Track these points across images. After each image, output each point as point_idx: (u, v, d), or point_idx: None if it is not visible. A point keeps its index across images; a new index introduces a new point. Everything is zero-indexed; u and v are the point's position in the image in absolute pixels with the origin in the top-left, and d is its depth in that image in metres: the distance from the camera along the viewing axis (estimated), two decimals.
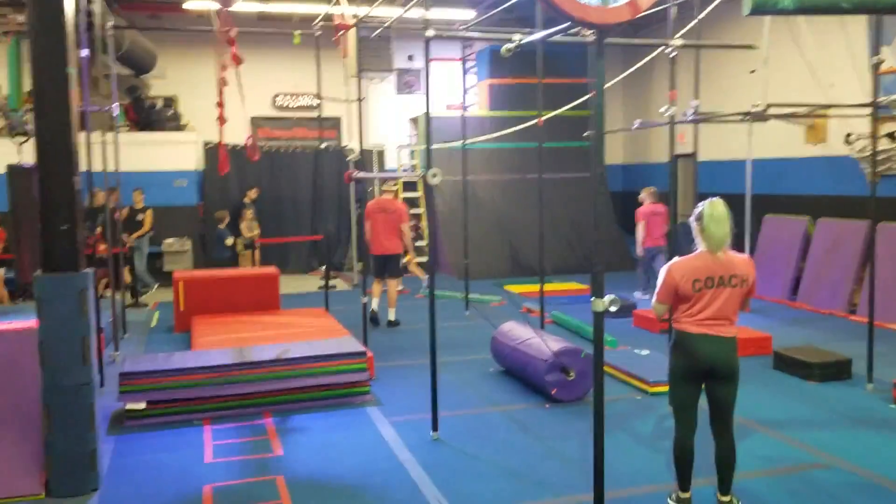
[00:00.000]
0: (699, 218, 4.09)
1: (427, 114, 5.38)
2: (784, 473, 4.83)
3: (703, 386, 4.20)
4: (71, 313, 4.59)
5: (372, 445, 5.43)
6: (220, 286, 9.48)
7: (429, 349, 5.66)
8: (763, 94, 8.27)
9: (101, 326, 7.95)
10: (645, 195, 11.00)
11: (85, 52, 6.80)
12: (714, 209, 4.03)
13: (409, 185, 14.46)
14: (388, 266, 9.52)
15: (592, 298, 3.48)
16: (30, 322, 4.82)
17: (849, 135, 10.04)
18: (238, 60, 7.21)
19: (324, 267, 10.79)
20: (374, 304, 9.51)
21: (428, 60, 5.29)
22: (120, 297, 9.39)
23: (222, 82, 8.05)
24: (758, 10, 2.96)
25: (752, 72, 9.34)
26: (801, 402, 6.29)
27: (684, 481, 4.28)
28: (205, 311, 9.23)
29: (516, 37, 5.28)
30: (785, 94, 11.12)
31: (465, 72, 15.82)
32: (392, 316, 9.50)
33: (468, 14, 12.87)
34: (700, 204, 4.13)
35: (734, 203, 11.29)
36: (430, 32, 5.06)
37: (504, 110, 14.05)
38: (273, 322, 8.62)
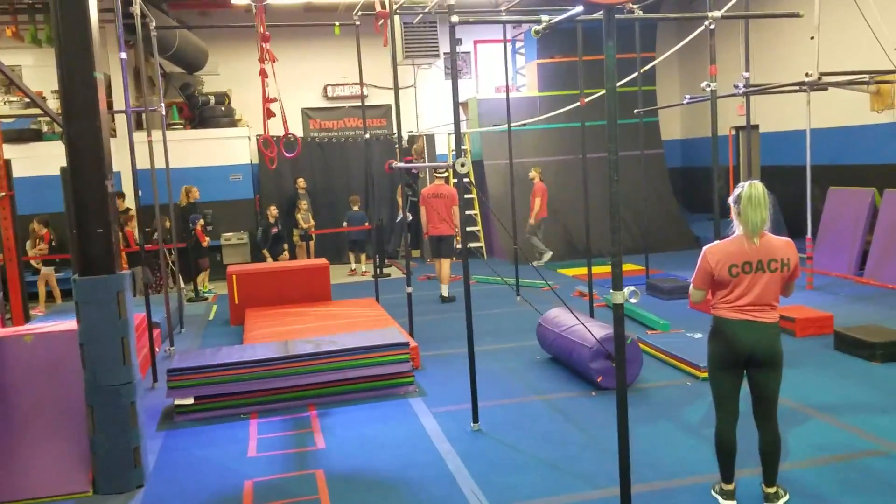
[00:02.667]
0: (737, 201, 3.89)
1: (455, 99, 5.27)
2: (837, 461, 4.61)
3: (744, 374, 4.02)
4: (109, 315, 4.68)
5: (412, 437, 5.40)
6: (271, 279, 9.62)
7: (468, 340, 5.54)
8: (816, 63, 7.87)
9: (156, 322, 8.20)
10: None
11: (123, 55, 6.91)
12: (752, 191, 3.82)
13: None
14: (441, 246, 10.29)
15: (611, 290, 3.34)
16: (72, 323, 4.95)
17: None
18: (272, 58, 7.17)
19: (376, 256, 10.84)
20: (444, 290, 10.30)
21: (454, 45, 5.18)
22: (178, 292, 9.63)
23: (263, 76, 8.08)
24: None
25: (812, 38, 8.93)
26: (860, 384, 6.00)
27: (727, 472, 4.11)
28: (258, 303, 9.38)
29: (544, 18, 5.12)
30: (847, 59, 10.62)
31: (513, 52, 15.68)
32: (445, 292, 10.23)
33: None
34: (739, 186, 3.92)
35: (797, 175, 10.90)
36: (455, 18, 4.96)
37: (554, 90, 13.81)
38: (322, 313, 8.69)
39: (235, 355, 6.31)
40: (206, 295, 11.62)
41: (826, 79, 7.64)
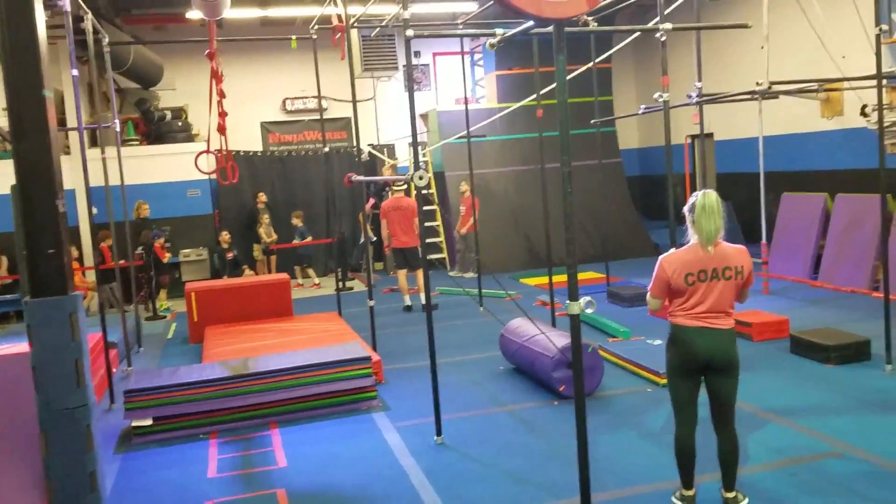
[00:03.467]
0: (691, 210, 3.96)
1: (412, 113, 5.27)
2: (794, 464, 4.68)
3: (702, 380, 4.07)
4: (62, 337, 4.56)
5: (375, 453, 5.37)
6: (231, 296, 9.50)
7: (430, 353, 5.53)
8: (766, 72, 8.04)
9: (113, 342, 8.04)
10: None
11: (74, 73, 6.79)
12: (706, 200, 3.88)
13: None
14: (409, 258, 10.40)
15: (567, 301, 3.36)
16: (24, 346, 4.82)
17: (864, 106, 9.75)
18: (217, 77, 7.12)
19: (339, 269, 10.81)
20: (408, 300, 10.43)
21: (410, 59, 5.19)
22: (135, 311, 9.46)
23: (220, 94, 8.01)
24: None
25: (763, 47, 9.14)
26: (816, 387, 6.11)
27: (687, 478, 4.15)
28: (218, 320, 9.26)
29: (499, 31, 5.16)
30: (798, 68, 10.87)
31: (472, 64, 15.76)
32: (424, 300, 10.04)
33: (471, 6, 12.75)
34: (693, 195, 3.99)
35: (751, 181, 11.10)
36: (410, 33, 4.97)
37: (513, 101, 13.89)
38: (284, 329, 8.61)
39: (194, 374, 6.21)
40: (164, 313, 11.44)
41: (776, 87, 7.80)
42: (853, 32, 9.29)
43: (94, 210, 8.56)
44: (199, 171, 8.74)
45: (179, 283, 12.47)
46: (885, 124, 9.43)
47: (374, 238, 12.30)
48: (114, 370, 7.61)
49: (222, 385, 6.05)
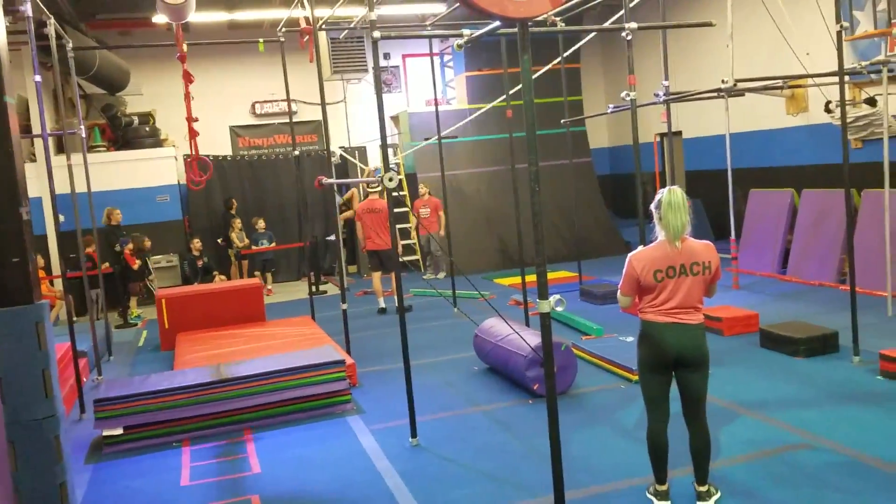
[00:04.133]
0: (657, 206, 3.99)
1: (381, 116, 5.27)
2: (766, 457, 4.74)
3: (673, 376, 4.10)
4: (28, 346, 4.48)
5: (350, 456, 5.34)
6: (203, 302, 9.42)
7: (403, 356, 5.52)
8: (731, 70, 8.14)
9: (82, 351, 7.94)
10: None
11: (38, 78, 6.69)
12: (672, 197, 3.92)
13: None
14: (383, 261, 10.40)
15: (538, 300, 3.37)
16: None
17: (828, 103, 9.89)
18: (189, 78, 7.06)
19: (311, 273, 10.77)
20: (382, 302, 10.44)
21: (377, 61, 5.19)
22: (104, 319, 9.34)
23: (187, 97, 7.94)
24: None
25: (728, 46, 9.27)
26: (786, 380, 6.19)
27: (660, 473, 4.18)
28: (190, 327, 9.18)
29: (466, 32, 5.17)
30: (763, 65, 11.01)
31: (441, 66, 15.78)
32: (399, 303, 10.15)
33: (440, 8, 12.76)
34: (659, 192, 4.02)
35: (719, 178, 11.22)
36: (377, 34, 4.96)
37: (483, 102, 13.93)
38: (256, 334, 8.55)
39: (165, 382, 6.15)
40: (134, 321, 11.31)
41: (741, 85, 7.90)
42: (816, 30, 9.43)
43: (62, 218, 8.44)
44: (194, 179, 8.58)
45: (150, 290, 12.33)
46: (849, 120, 9.61)
47: (333, 238, 12.29)
48: (84, 379, 7.53)
49: (194, 392, 6.00)
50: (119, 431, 5.85)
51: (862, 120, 9.79)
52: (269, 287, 13.13)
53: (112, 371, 8.40)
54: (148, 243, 11.89)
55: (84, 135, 8.52)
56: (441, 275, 12.82)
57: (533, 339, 6.32)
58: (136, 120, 13.51)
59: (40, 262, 11.19)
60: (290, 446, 5.64)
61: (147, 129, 13.45)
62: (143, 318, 11.53)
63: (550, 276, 11.92)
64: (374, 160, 14.72)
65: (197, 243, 12.54)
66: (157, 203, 12.97)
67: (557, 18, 8.88)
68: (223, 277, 12.66)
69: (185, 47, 7.19)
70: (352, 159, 13.76)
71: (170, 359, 8.50)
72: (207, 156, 13.39)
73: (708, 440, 4.10)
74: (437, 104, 10.46)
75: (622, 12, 6.90)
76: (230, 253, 13.34)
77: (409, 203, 13.99)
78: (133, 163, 12.80)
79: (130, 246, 11.33)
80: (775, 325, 7.23)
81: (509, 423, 5.77)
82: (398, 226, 13.34)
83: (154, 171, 12.94)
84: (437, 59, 14.76)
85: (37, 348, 4.53)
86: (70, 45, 8.42)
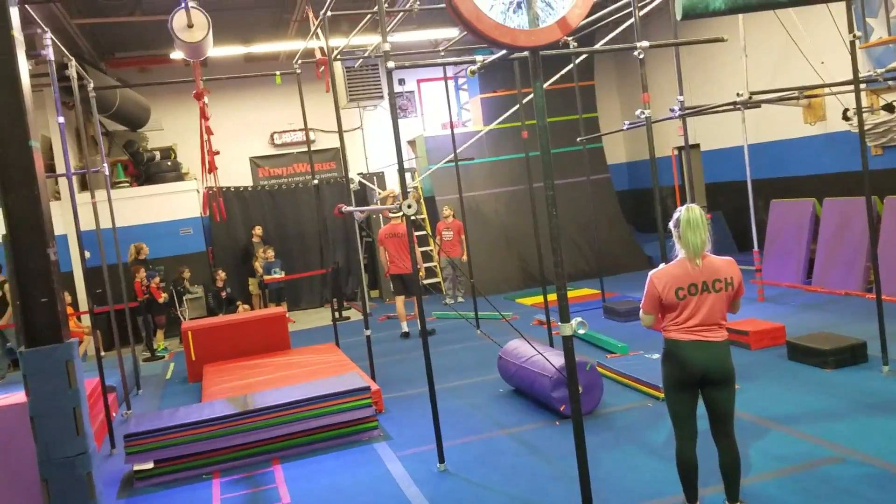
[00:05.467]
0: (676, 225, 4.00)
1: (397, 142, 5.32)
2: (797, 472, 4.68)
3: (699, 393, 4.08)
4: (59, 385, 4.55)
5: (378, 483, 5.35)
6: (228, 332, 9.49)
7: (428, 380, 5.53)
8: (745, 82, 8.13)
9: (111, 385, 8.02)
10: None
11: (61, 120, 6.84)
12: (690, 214, 3.93)
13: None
14: (407, 284, 10.47)
15: (558, 321, 3.38)
16: (22, 395, 4.82)
17: (846, 111, 9.86)
18: (205, 116, 7.18)
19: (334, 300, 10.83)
20: (405, 326, 10.47)
21: (392, 91, 5.26)
22: (132, 353, 9.44)
23: (208, 133, 8.06)
24: (689, 15, 2.88)
25: (746, 57, 9.29)
26: (815, 392, 6.13)
27: (691, 492, 4.15)
28: (216, 358, 9.26)
29: (479, 58, 5.24)
30: (778, 76, 10.99)
31: (456, 89, 15.89)
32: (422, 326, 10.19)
33: (452, 32, 12.87)
34: (678, 210, 4.03)
35: (739, 190, 11.14)
36: (391, 64, 5.02)
37: (499, 123, 14.00)
38: (282, 363, 8.60)
39: (194, 414, 6.20)
40: (162, 353, 11.42)
41: (757, 97, 7.88)
42: (830, 38, 9.43)
43: (88, 254, 8.56)
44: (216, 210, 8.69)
45: (177, 322, 12.45)
46: (867, 127, 9.56)
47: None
48: (113, 414, 7.59)
49: (222, 424, 6.04)
50: (150, 465, 5.91)
51: (881, 126, 9.72)
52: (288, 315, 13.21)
53: (141, 405, 8.48)
54: (187, 274, 12.10)
55: (107, 172, 8.65)
56: (460, 298, 12.78)
57: (557, 359, 6.31)
58: (157, 155, 13.72)
59: (67, 298, 11.34)
60: (318, 475, 5.66)
61: (169, 163, 13.65)
62: (171, 351, 11.63)
63: (573, 294, 11.91)
64: (391, 183, 14.82)
65: (221, 274, 12.67)
66: (181, 236, 13.13)
67: (570, 38, 8.94)
68: (247, 307, 12.77)
69: (201, 84, 7.30)
70: (370, 185, 13.85)
71: (197, 390, 8.57)
72: (228, 188, 13.59)
73: (737, 457, 4.06)
74: (452, 127, 10.53)
75: (628, 22, 6.93)
76: (252, 282, 13.45)
77: (428, 226, 14.04)
78: (156, 197, 12.99)
79: (157, 279, 11.48)
80: (802, 336, 7.16)
81: (537, 445, 5.75)
82: (420, 249, 13.39)
83: (177, 204, 13.11)
84: (451, 83, 14.88)
85: (67, 387, 4.60)
86: (91, 84, 8.59)
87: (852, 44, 6.36)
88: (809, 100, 10.97)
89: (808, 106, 11.30)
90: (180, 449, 5.96)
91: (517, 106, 8.91)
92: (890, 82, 8.94)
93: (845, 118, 9.92)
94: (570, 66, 9.97)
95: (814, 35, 10.02)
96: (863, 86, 8.84)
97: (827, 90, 9.07)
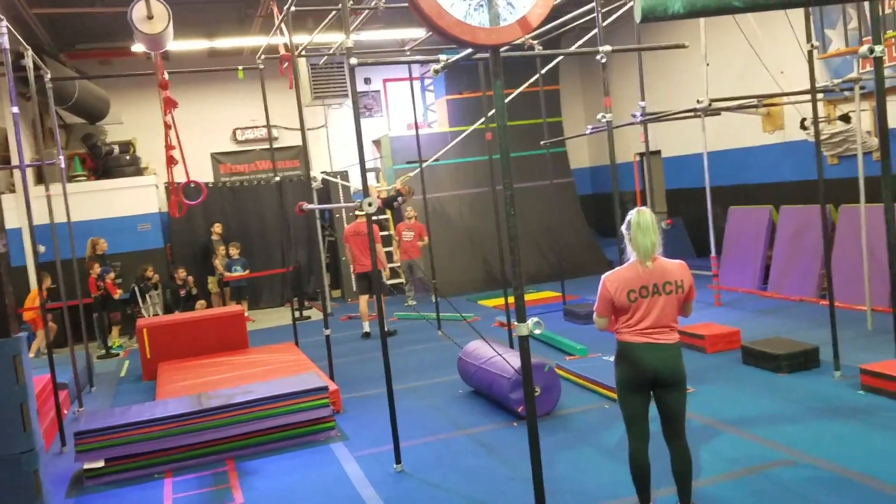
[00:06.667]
0: (627, 227, 4.04)
1: (359, 141, 5.29)
2: (749, 474, 4.74)
3: (651, 395, 4.12)
4: (6, 381, 4.45)
5: (334, 484, 5.30)
6: (184, 330, 9.35)
7: (386, 380, 5.50)
8: (706, 90, 8.25)
9: (63, 382, 7.86)
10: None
11: (15, 110, 6.67)
12: (640, 217, 3.97)
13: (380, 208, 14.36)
14: (371, 282, 10.32)
15: (516, 322, 3.38)
16: None
17: (804, 120, 10.04)
18: (171, 104, 7.06)
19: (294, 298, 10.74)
20: (366, 326, 10.38)
21: (354, 88, 5.22)
22: (85, 349, 9.26)
23: (167, 125, 7.92)
24: (648, 18, 2.90)
25: (708, 65, 9.43)
26: (768, 396, 6.22)
27: (644, 494, 4.18)
28: (172, 356, 9.11)
29: (442, 57, 5.23)
30: (738, 84, 11.16)
31: (422, 89, 15.87)
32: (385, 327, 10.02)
33: (419, 33, 12.86)
34: (629, 213, 4.06)
35: (699, 196, 11.29)
36: (354, 61, 4.99)
37: (464, 124, 14.02)
38: (239, 362, 8.50)
39: (147, 412, 6.09)
40: (117, 351, 11.22)
41: (717, 104, 8.00)
42: (789, 48, 9.59)
43: (42, 248, 8.38)
44: (182, 203, 8.46)
45: (133, 319, 12.24)
46: (824, 136, 9.75)
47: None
48: (64, 412, 7.44)
49: (176, 422, 5.95)
50: (100, 464, 5.79)
51: (837, 136, 9.92)
52: (246, 314, 13.07)
53: (93, 402, 8.31)
54: (151, 272, 11.91)
55: (63, 165, 8.47)
56: (411, 301, 12.68)
57: (517, 361, 6.31)
58: (116, 149, 13.49)
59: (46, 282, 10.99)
60: (273, 475, 5.59)
61: (128, 157, 13.44)
62: (125, 348, 11.44)
63: (534, 296, 11.96)
64: (356, 185, 14.74)
65: (182, 273, 12.49)
66: (139, 231, 12.91)
67: (535, 42, 8.98)
68: (202, 303, 12.59)
69: (166, 75, 7.18)
70: (334, 180, 13.76)
71: (152, 389, 8.42)
72: (189, 183, 13.38)
73: (689, 459, 4.11)
74: (417, 128, 10.52)
75: (594, 31, 6.98)
76: (211, 280, 13.29)
77: (391, 226, 14.01)
78: (114, 192, 12.77)
79: (112, 275, 11.28)
80: (757, 341, 7.27)
81: (494, 446, 5.75)
82: (386, 249, 13.34)
83: (135, 199, 12.90)
84: (417, 84, 14.86)
85: (14, 382, 4.49)
86: (49, 75, 8.41)
87: (810, 54, 6.48)
88: (768, 108, 11.16)
89: (767, 115, 11.50)
90: (132, 448, 5.85)
91: (484, 119, 8.91)
92: (846, 93, 9.12)
93: (803, 127, 10.11)
94: (536, 75, 10.01)
95: (774, 45, 10.20)
96: (820, 96, 9.02)
97: (786, 99, 9.22)
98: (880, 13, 4.63)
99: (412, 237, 12.35)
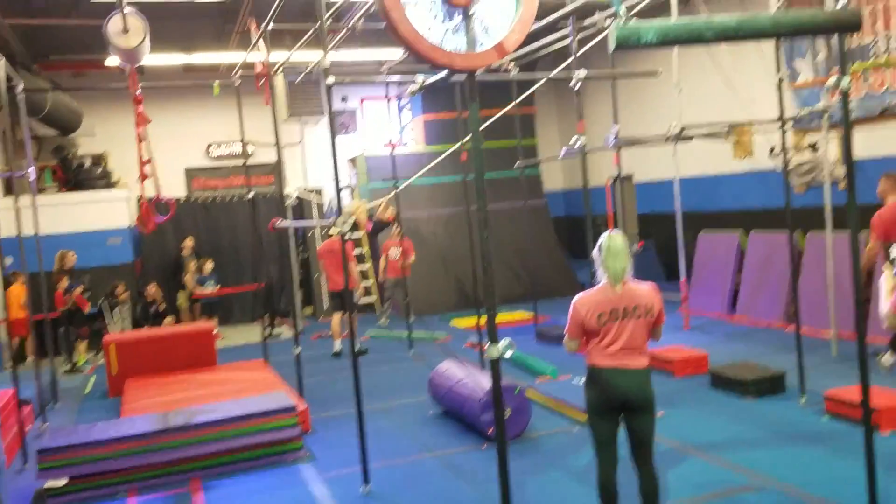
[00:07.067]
0: (599, 251, 4.08)
1: (334, 159, 5.30)
2: (715, 498, 4.79)
3: (620, 419, 4.14)
4: None
5: None
6: (152, 346, 9.23)
7: (355, 400, 5.47)
8: (679, 116, 8.38)
9: (26, 398, 7.72)
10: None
11: None
12: (612, 242, 4.02)
13: (354, 226, 14.33)
14: (346, 301, 9.81)
15: (488, 344, 3.39)
16: None
17: (773, 148, 10.22)
18: (144, 120, 7.02)
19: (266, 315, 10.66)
20: (338, 345, 10.31)
21: (330, 107, 5.23)
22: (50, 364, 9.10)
23: (140, 139, 7.86)
24: (622, 45, 2.95)
25: (680, 92, 9.58)
26: (736, 421, 6.28)
27: None
28: (139, 372, 8.97)
29: (419, 78, 5.26)
30: (710, 112, 11.32)
31: (399, 109, 15.93)
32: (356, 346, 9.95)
33: (397, 53, 12.93)
34: (601, 237, 4.11)
35: (670, 221, 11.40)
36: (330, 80, 5.01)
37: (440, 144, 14.09)
38: (207, 380, 8.41)
39: (111, 430, 6.00)
40: (82, 366, 11.04)
41: (688, 131, 8.13)
42: (759, 78, 9.78)
43: (10, 260, 8.26)
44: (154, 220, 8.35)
45: (99, 335, 12.06)
46: (793, 166, 9.92)
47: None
48: (27, 428, 7.30)
49: (141, 440, 5.86)
50: (63, 482, 5.68)
51: (805, 165, 10.11)
52: (216, 331, 12.94)
53: (57, 419, 8.16)
54: (122, 289, 11.78)
55: (34, 177, 8.35)
56: (384, 319, 12.64)
57: (488, 382, 6.32)
58: (88, 161, 13.36)
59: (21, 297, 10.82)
60: (239, 496, 5.53)
61: (99, 170, 13.30)
62: (92, 364, 11.26)
63: (507, 317, 11.98)
64: (344, 201, 14.71)
65: (152, 289, 12.34)
66: (109, 246, 12.76)
67: (512, 64, 9.07)
68: (170, 319, 12.44)
69: (139, 90, 7.14)
70: (308, 198, 13.72)
71: (117, 406, 8.28)
72: (160, 199, 13.26)
73: (657, 483, 4.13)
74: (393, 147, 10.54)
75: (572, 58, 7.08)
76: (181, 295, 13.15)
77: (366, 244, 13.98)
78: (84, 205, 12.61)
79: (80, 288, 11.13)
80: (725, 366, 7.35)
81: (463, 469, 5.74)
82: (360, 267, 13.30)
83: (106, 213, 12.76)
84: (394, 103, 14.91)
85: None
86: (21, 86, 8.32)
87: (779, 84, 6.61)
88: (738, 137, 11.33)
89: (737, 143, 11.66)
90: (96, 465, 5.75)
91: (460, 142, 8.96)
92: (815, 123, 9.31)
93: (771, 156, 10.28)
94: (512, 98, 10.09)
95: (745, 74, 10.38)
96: (789, 125, 9.19)
97: (755, 127, 9.39)
98: (847, 46, 4.75)
99: (399, 255, 12.27)
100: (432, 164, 11.20)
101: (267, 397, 6.65)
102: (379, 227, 11.39)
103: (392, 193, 11.32)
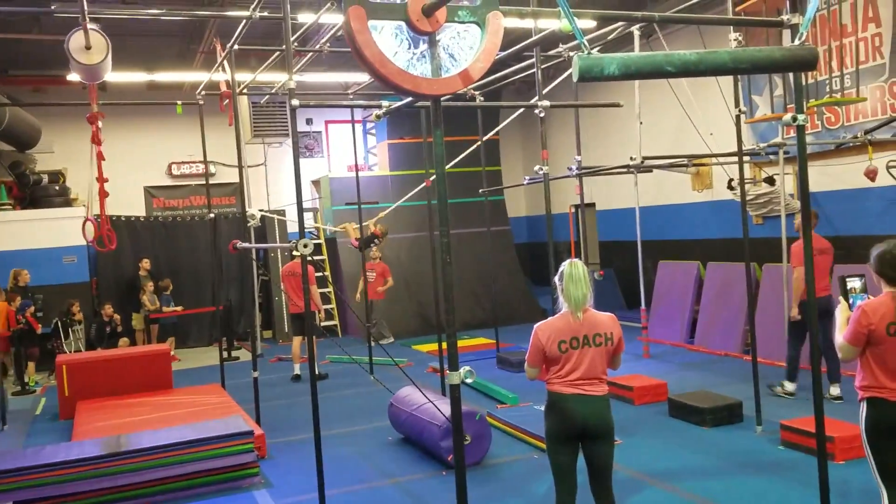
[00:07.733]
0: (560, 278, 4.10)
1: (297, 181, 5.26)
2: None
3: (580, 447, 4.14)
4: None
5: None
6: (105, 368, 9.02)
7: (314, 425, 5.39)
8: (639, 148, 8.52)
9: None
10: None
11: None
12: (573, 269, 4.04)
13: (316, 248, 14.25)
14: (298, 324, 10.36)
15: (448, 371, 3.38)
16: None
17: (731, 180, 10.41)
18: (97, 141, 6.94)
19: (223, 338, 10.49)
20: (297, 369, 10.22)
21: (295, 129, 5.21)
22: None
23: (99, 157, 7.76)
24: (585, 77, 2.99)
25: (641, 123, 9.76)
26: (693, 449, 6.33)
27: None
28: (92, 395, 8.75)
29: (385, 103, 5.28)
30: (670, 144, 11.55)
31: (364, 132, 15.95)
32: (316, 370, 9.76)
33: (363, 77, 12.97)
34: (562, 264, 4.13)
35: (630, 249, 11.54)
36: (295, 102, 4.99)
37: (404, 169, 14.12)
38: (161, 403, 8.24)
39: (61, 453, 5.83)
40: (33, 388, 10.74)
41: (649, 162, 8.27)
42: (719, 112, 10.00)
43: None
44: (85, 239, 8.27)
45: (51, 355, 11.77)
46: (750, 197, 10.12)
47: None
48: None
49: (91, 465, 5.70)
50: None
51: (762, 198, 10.31)
52: (173, 353, 12.72)
53: (4, 442, 7.92)
54: (77, 308, 11.54)
55: None
56: (384, 340, 12.58)
57: (448, 408, 6.28)
58: (45, 178, 13.11)
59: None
60: None
61: (57, 188, 13.06)
62: (43, 385, 10.97)
63: (469, 342, 11.97)
64: (294, 225, 14.61)
65: (108, 309, 12.10)
66: (64, 264, 12.50)
67: (477, 93, 9.15)
68: (126, 341, 12.19)
69: (96, 107, 7.05)
70: (270, 216, 13.61)
71: (68, 428, 8.06)
72: (118, 217, 13.06)
73: None
74: (357, 170, 10.53)
75: (546, 89, 7.15)
76: (136, 317, 12.91)
77: (328, 268, 13.89)
78: (40, 222, 12.36)
79: (32, 308, 10.86)
80: (683, 394, 7.41)
81: (422, 496, 5.68)
82: (321, 290, 13.19)
83: (62, 231, 12.50)
84: (359, 126, 14.92)
85: None
86: None
87: (738, 118, 6.76)
88: (698, 168, 11.57)
89: (697, 174, 11.90)
90: (44, 490, 5.58)
91: (426, 164, 8.98)
92: (771, 157, 9.53)
93: (730, 188, 10.47)
94: (476, 125, 10.17)
95: (705, 108, 10.60)
96: (746, 158, 9.39)
97: (714, 160, 9.59)
98: (803, 83, 4.89)
99: (374, 278, 12.22)
100: (404, 195, 11.16)
101: (223, 422, 6.53)
102: (366, 242, 11.36)
103: (390, 209, 11.36)
